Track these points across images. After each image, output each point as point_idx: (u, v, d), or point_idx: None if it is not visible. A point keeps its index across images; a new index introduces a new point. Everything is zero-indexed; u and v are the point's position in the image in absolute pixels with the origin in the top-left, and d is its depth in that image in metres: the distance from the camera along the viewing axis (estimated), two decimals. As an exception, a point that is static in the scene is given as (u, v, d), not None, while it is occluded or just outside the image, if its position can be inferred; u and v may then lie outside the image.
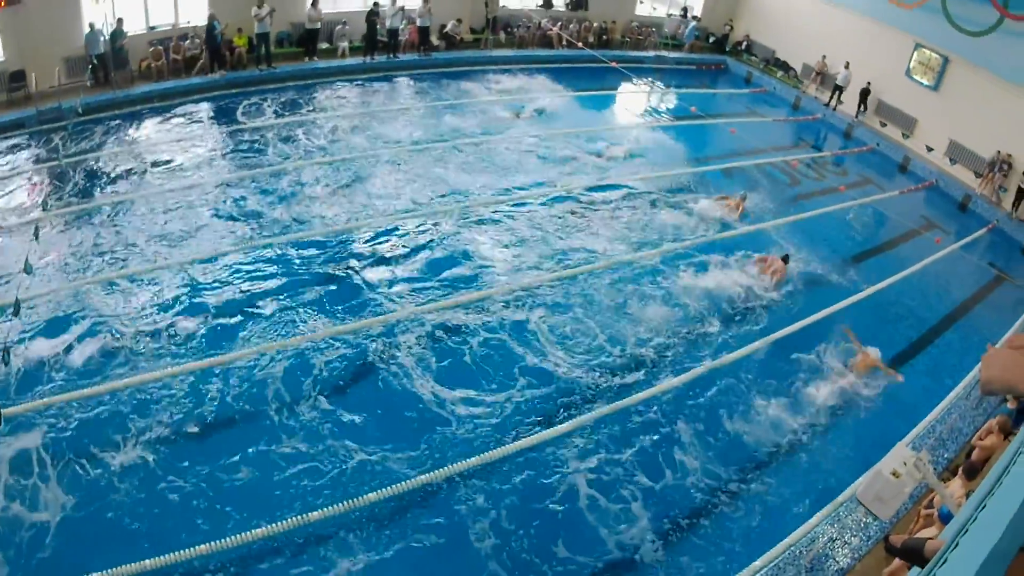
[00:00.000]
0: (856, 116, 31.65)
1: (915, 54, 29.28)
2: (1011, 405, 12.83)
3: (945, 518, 8.82)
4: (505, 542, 10.28)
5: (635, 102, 31.48)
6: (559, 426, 12.17)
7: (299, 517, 9.69)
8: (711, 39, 37.98)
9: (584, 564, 10.22)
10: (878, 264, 20.37)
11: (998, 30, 24.74)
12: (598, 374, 13.79)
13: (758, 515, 11.51)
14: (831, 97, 32.74)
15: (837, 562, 10.20)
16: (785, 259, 18.53)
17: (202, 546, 9.04)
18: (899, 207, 24.62)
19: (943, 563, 3.33)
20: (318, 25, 26.33)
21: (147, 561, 8.78)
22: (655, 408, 13.24)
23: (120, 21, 21.88)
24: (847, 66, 31.62)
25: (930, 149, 29.07)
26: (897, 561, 9.50)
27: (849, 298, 17.78)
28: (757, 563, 10.15)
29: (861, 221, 22.81)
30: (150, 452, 10.64)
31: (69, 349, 12.37)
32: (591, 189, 21.20)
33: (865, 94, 31.17)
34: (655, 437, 12.61)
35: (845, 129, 31.52)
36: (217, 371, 12.33)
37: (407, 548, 9.98)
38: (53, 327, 12.89)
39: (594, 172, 22.40)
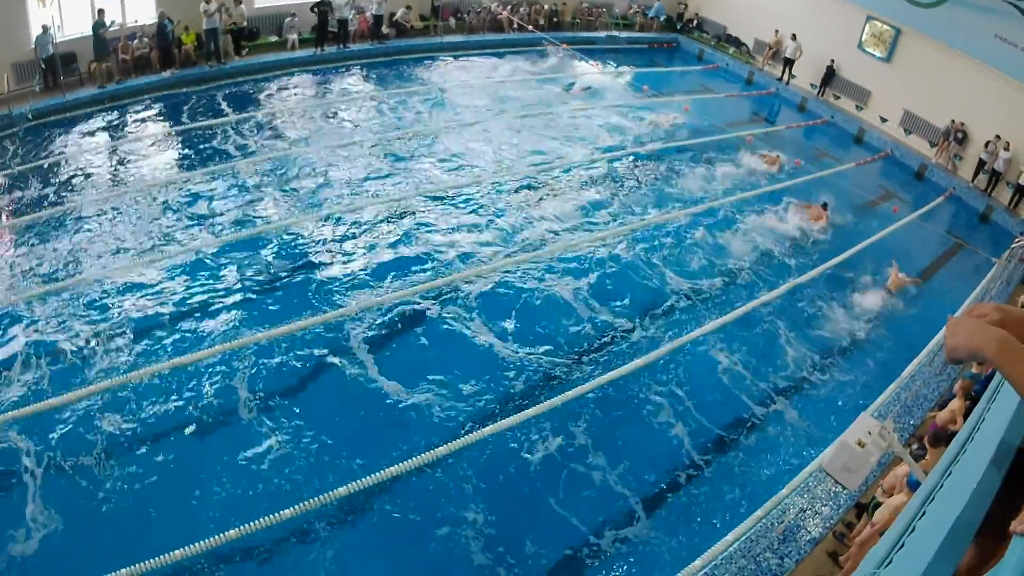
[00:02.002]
0: (818, 95, 31.81)
1: (867, 26, 29.50)
2: (976, 369, 12.97)
3: (913, 486, 8.89)
4: (486, 524, 10.30)
5: (585, 83, 31.31)
6: (528, 410, 12.10)
7: (272, 516, 9.57)
8: (663, 18, 37.89)
9: (555, 545, 10.27)
10: (838, 235, 20.47)
11: (949, 1, 25.00)
12: (551, 362, 13.81)
13: (734, 486, 11.63)
14: (782, 71, 32.91)
15: (809, 532, 10.28)
16: (824, 206, 20.95)
17: (177, 551, 8.90)
18: (856, 178, 24.82)
19: (911, 531, 3.32)
20: (229, 24, 25.35)
21: (123, 571, 8.60)
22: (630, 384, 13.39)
23: (101, 12, 21.54)
24: (794, 37, 31.79)
25: (884, 120, 29.34)
26: (869, 528, 9.59)
27: (811, 271, 17.89)
28: (729, 537, 10.22)
29: (820, 191, 22.86)
30: (113, 459, 10.46)
31: (25, 360, 12.09)
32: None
33: (830, 74, 31.43)
34: (630, 413, 12.74)
35: (799, 103, 31.68)
36: (174, 374, 12.06)
37: (383, 540, 9.98)
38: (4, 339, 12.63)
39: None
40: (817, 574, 9.90)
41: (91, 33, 21.80)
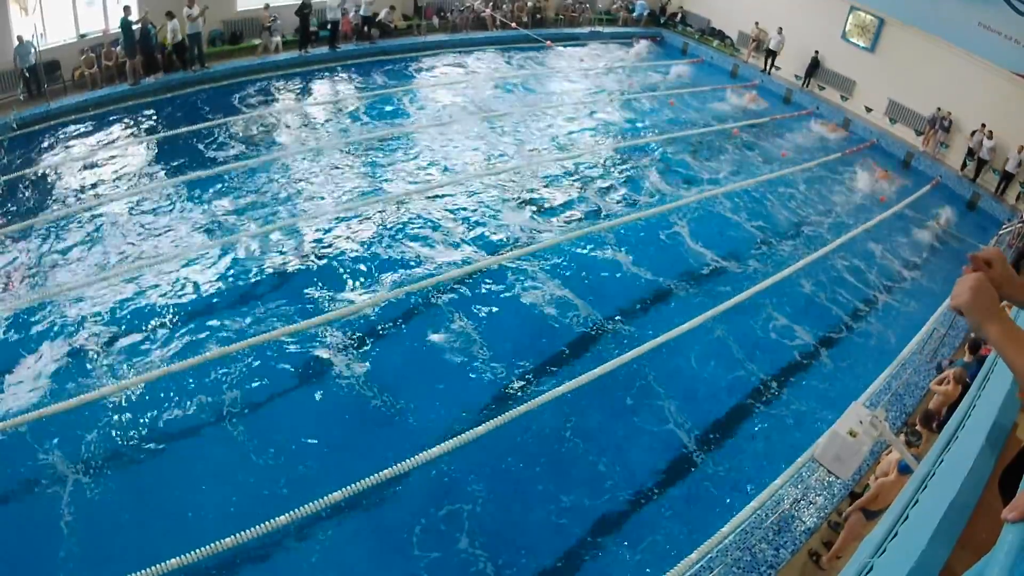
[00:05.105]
0: (803, 86, 31.91)
1: (850, 17, 29.57)
2: (967, 359, 13.06)
3: (904, 470, 8.89)
4: (481, 523, 10.30)
5: (572, 78, 31.26)
6: (520, 407, 12.05)
7: (267, 523, 9.51)
8: (646, 13, 37.86)
9: (551, 541, 10.27)
10: (826, 225, 20.54)
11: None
12: (540, 358, 13.83)
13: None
14: (765, 63, 33.05)
15: (803, 522, 10.29)
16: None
17: (173, 560, 8.82)
18: (842, 168, 24.87)
19: (904, 520, 3.31)
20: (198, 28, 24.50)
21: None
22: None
23: (127, 9, 21.84)
24: (780, 31, 31.82)
25: (869, 110, 29.41)
26: (857, 514, 9.62)
27: (800, 261, 17.92)
28: (724, 529, 10.23)
29: (806, 184, 22.95)
30: (105, 469, 10.42)
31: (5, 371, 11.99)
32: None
33: (814, 65, 31.50)
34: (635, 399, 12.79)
35: (784, 94, 31.68)
36: (164, 382, 11.94)
37: (378, 544, 9.96)
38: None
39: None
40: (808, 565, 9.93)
41: (119, 29, 22.25)
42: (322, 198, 18.16)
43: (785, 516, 10.31)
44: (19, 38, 20.05)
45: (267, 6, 25.95)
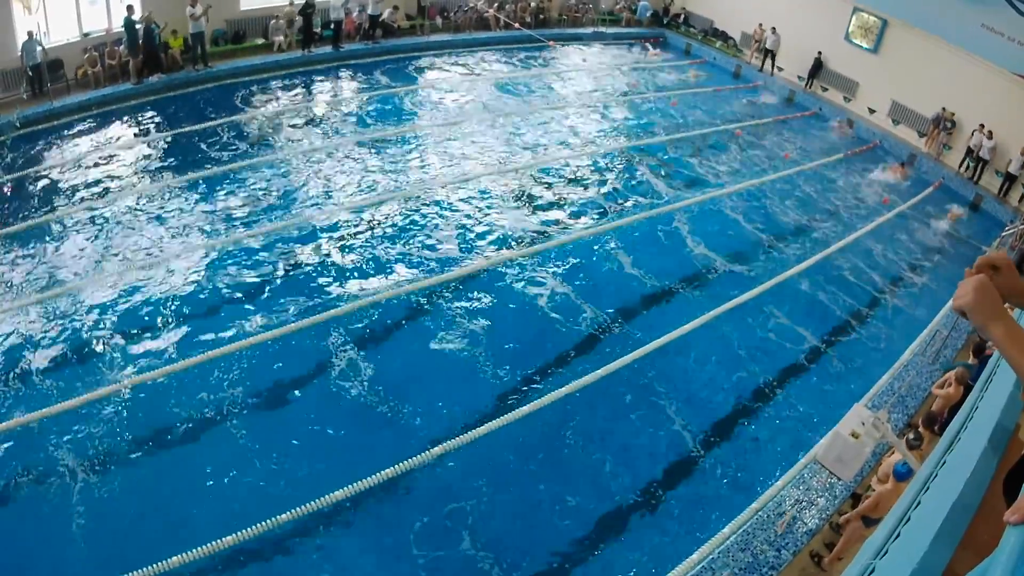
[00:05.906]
0: (806, 87, 31.93)
1: (853, 18, 29.57)
2: (972, 361, 13.05)
3: (900, 475, 8.88)
4: (482, 523, 10.26)
5: (575, 79, 31.27)
6: (523, 407, 12.05)
7: (269, 520, 9.49)
8: (649, 14, 37.90)
9: (551, 542, 10.26)
10: (829, 227, 20.52)
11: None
12: (539, 359, 13.81)
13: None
14: (762, 63, 33.20)
15: (805, 523, 10.27)
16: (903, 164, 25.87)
17: (174, 558, 8.82)
18: (845, 169, 24.86)
19: (906, 521, 3.31)
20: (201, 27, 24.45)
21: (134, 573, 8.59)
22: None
23: (130, 8, 22.09)
24: (773, 30, 31.91)
25: (872, 111, 29.38)
26: (856, 520, 9.62)
27: (803, 262, 17.90)
28: (725, 530, 10.21)
29: (810, 185, 22.94)
30: (107, 467, 10.42)
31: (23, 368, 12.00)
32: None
33: (817, 66, 31.50)
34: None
35: (787, 95, 31.66)
36: (166, 380, 11.91)
37: (380, 542, 9.94)
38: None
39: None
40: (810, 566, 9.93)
41: (122, 28, 22.49)
42: (324, 198, 18.15)
43: (788, 519, 10.30)
44: (29, 33, 20.07)
45: (292, 2, 26.13)
